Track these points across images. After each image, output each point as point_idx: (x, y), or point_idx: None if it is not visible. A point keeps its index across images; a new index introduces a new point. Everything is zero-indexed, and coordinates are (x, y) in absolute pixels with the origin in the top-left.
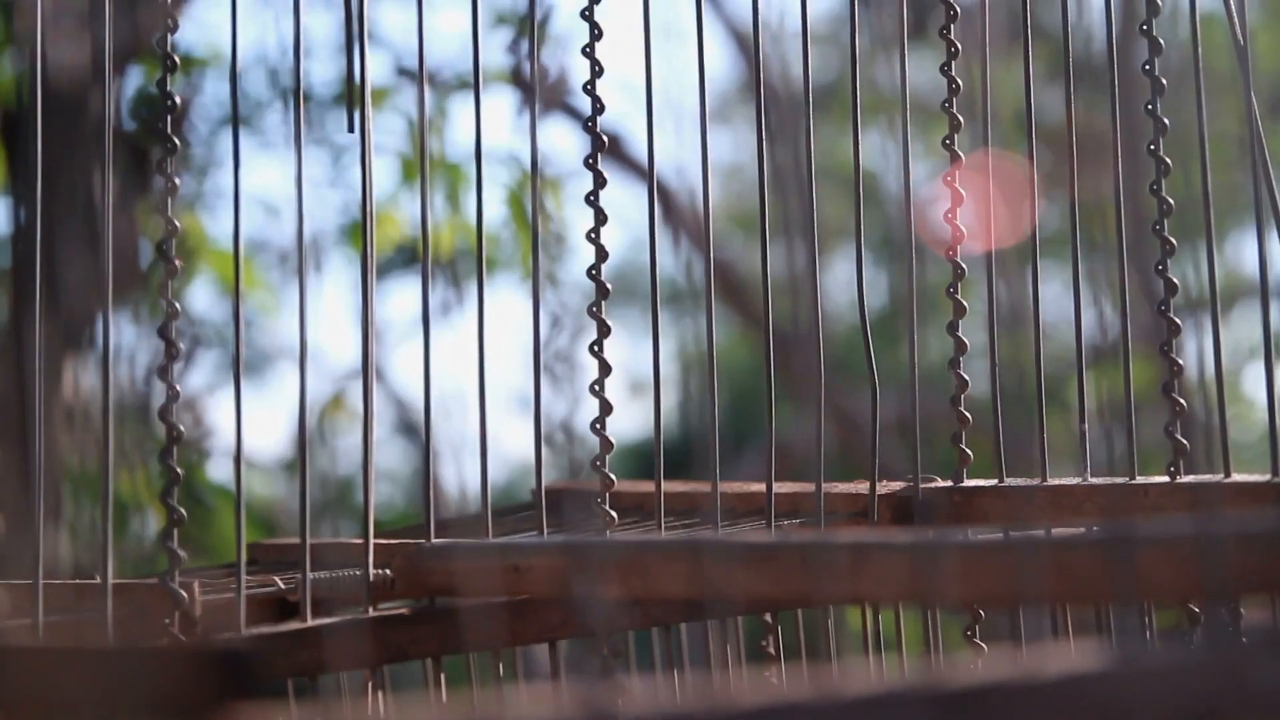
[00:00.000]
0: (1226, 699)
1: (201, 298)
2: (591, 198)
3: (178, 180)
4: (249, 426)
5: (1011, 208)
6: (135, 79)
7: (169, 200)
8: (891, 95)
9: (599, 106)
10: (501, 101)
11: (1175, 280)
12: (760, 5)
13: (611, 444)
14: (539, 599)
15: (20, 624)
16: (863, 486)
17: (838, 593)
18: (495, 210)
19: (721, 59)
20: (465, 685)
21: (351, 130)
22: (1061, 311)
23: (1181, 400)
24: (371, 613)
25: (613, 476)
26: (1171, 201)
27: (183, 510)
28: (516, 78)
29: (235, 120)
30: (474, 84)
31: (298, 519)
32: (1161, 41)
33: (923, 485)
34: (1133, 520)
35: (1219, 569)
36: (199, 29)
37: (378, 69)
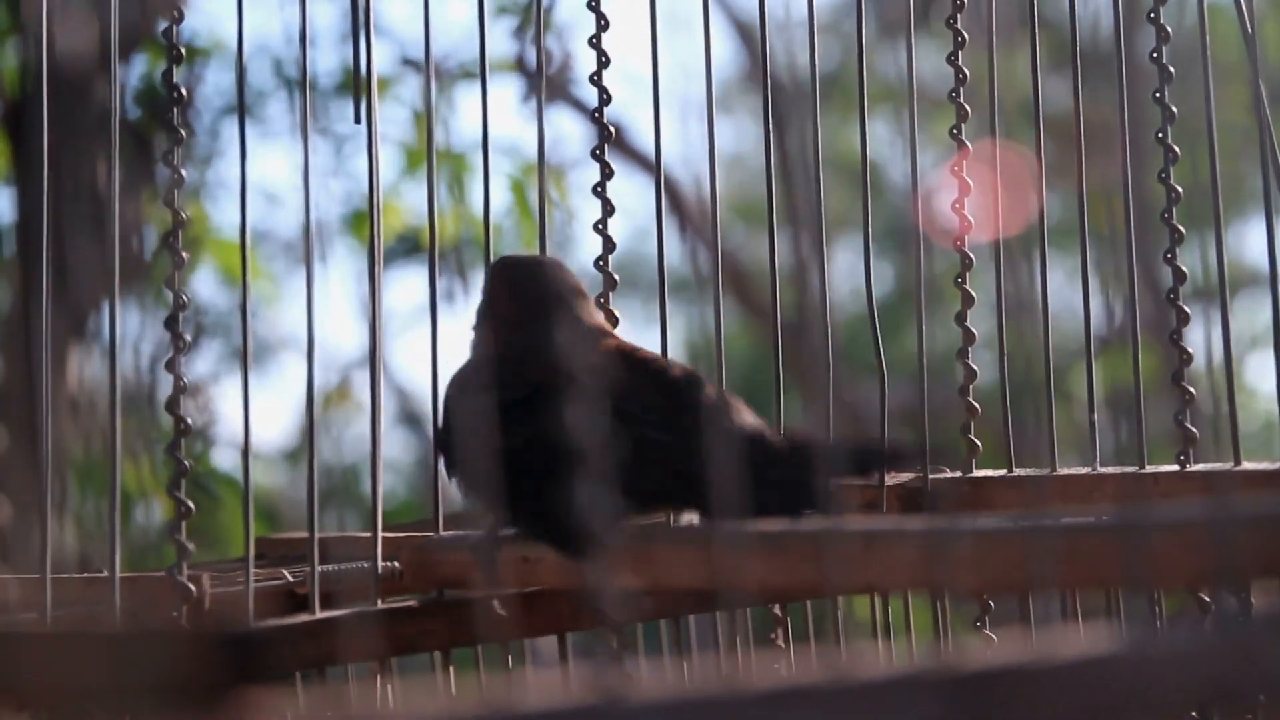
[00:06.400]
0: (1237, 682)
1: (204, 286)
2: (599, 189)
3: (184, 173)
4: (252, 417)
5: (1017, 197)
6: (140, 67)
7: (175, 193)
8: (896, 85)
9: (605, 98)
10: (505, 90)
11: (1183, 269)
12: None
13: None
14: (549, 590)
15: (29, 617)
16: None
17: (848, 581)
18: (499, 199)
19: (724, 49)
20: (474, 677)
21: (358, 121)
22: (1066, 301)
23: (1191, 389)
24: (380, 605)
25: None
26: (1180, 190)
27: (190, 503)
28: (520, 66)
29: (241, 112)
30: (480, 73)
31: (302, 509)
32: (1169, 30)
33: (932, 476)
34: (1146, 506)
35: (1230, 553)
36: (202, 17)
37: (380, 59)
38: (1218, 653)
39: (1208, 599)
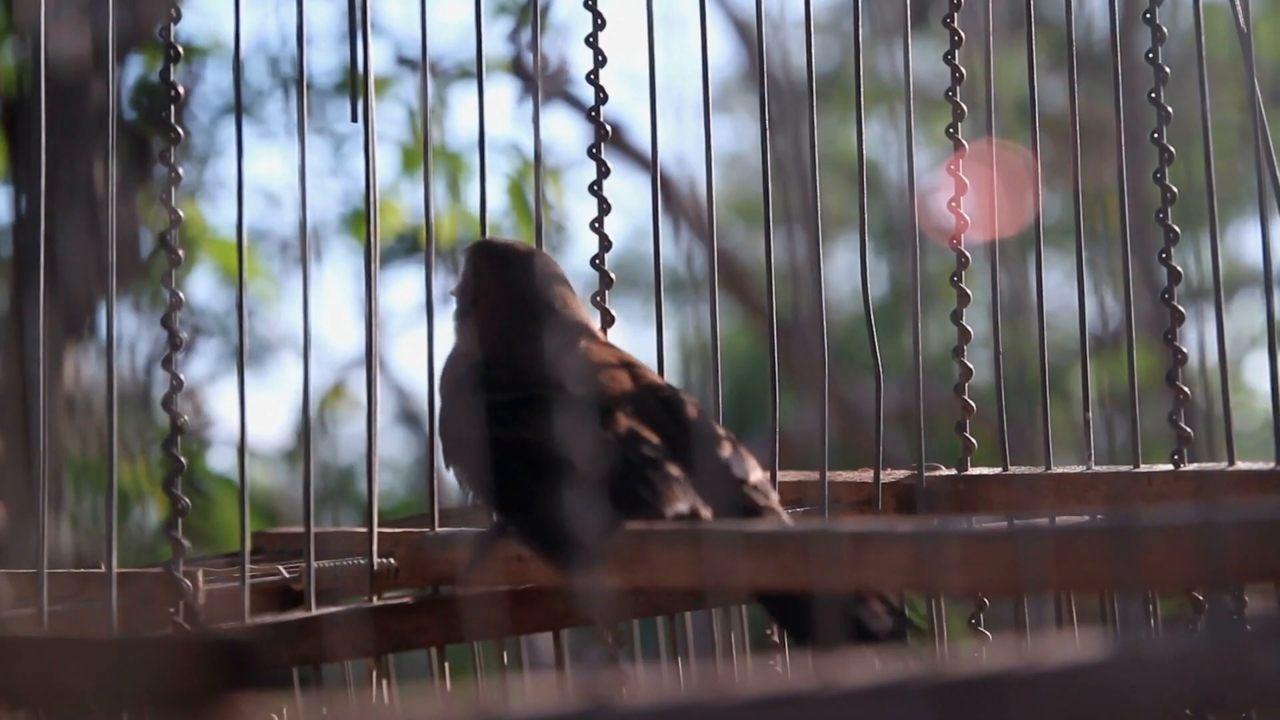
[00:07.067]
0: (1230, 686)
1: (202, 287)
2: (595, 187)
3: (181, 171)
4: (249, 416)
5: (1013, 197)
6: (136, 68)
7: (172, 190)
8: (893, 84)
9: (603, 96)
10: (502, 90)
11: (1179, 269)
12: None
13: None
14: (542, 588)
15: (24, 613)
16: (867, 475)
17: (841, 581)
18: (496, 199)
19: (721, 48)
20: (469, 674)
21: (355, 120)
22: (1062, 300)
23: (1185, 389)
24: (375, 602)
25: None
26: (1175, 190)
27: (187, 500)
28: (517, 67)
29: (239, 111)
30: (477, 73)
31: (299, 508)
32: (1165, 30)
33: (927, 474)
34: (1137, 508)
35: (1223, 557)
36: (199, 17)
37: (378, 58)
38: (1210, 656)
39: (1201, 602)
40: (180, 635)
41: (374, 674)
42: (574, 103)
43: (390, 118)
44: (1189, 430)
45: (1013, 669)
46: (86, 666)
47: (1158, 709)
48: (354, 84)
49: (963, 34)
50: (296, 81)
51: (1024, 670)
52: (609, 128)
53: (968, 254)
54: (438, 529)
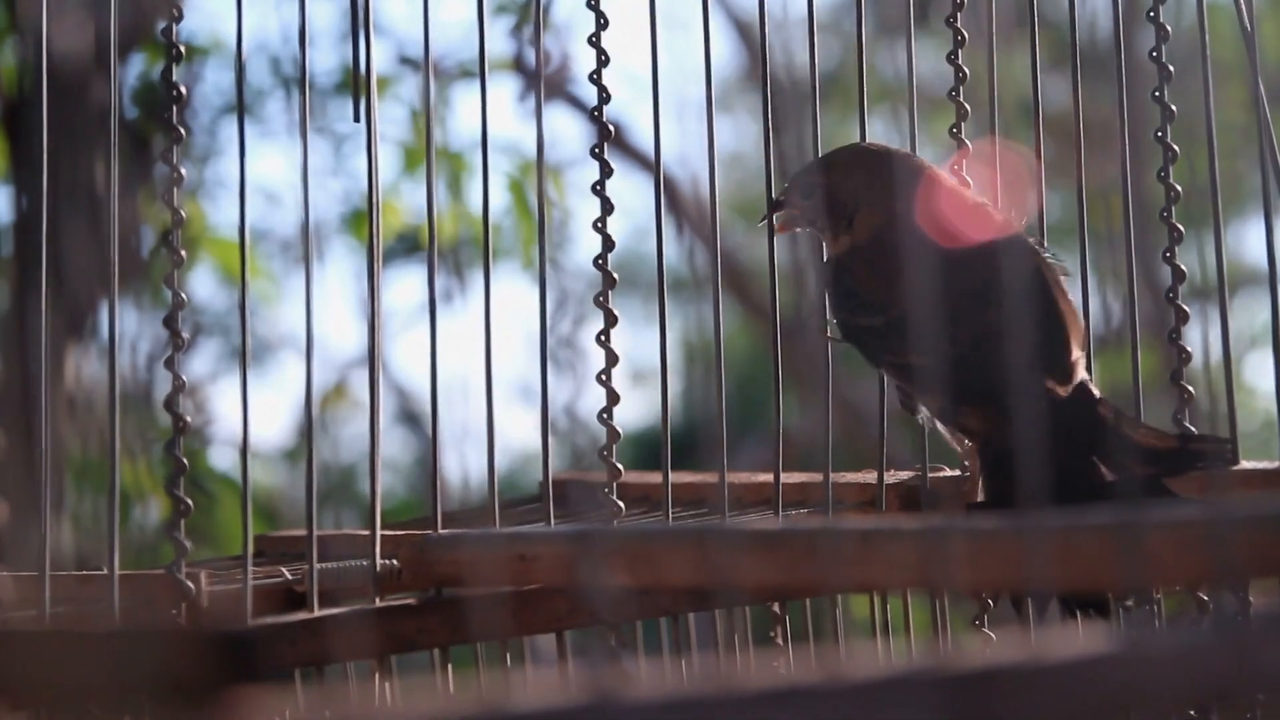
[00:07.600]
0: (1235, 682)
1: (203, 286)
2: (598, 188)
3: (183, 171)
4: (251, 416)
5: (1016, 196)
6: (137, 66)
7: (174, 190)
8: (895, 83)
9: (605, 96)
10: (503, 90)
11: (1183, 268)
12: None
13: (619, 434)
14: (546, 588)
15: (26, 615)
16: (870, 476)
17: (846, 579)
18: (498, 198)
19: (723, 48)
20: (472, 675)
21: (357, 120)
22: None
23: (1189, 388)
24: (378, 603)
25: (620, 466)
26: (1179, 189)
27: (189, 501)
28: (518, 65)
29: (240, 111)
30: (479, 72)
31: (301, 508)
32: (1168, 28)
33: (930, 475)
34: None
35: (1228, 553)
36: (200, 16)
37: (379, 58)
38: (1215, 652)
39: (1206, 599)
40: (184, 628)
41: (377, 675)
42: (575, 102)
43: (391, 117)
44: (1193, 429)
45: (1019, 663)
46: (89, 660)
47: (1165, 703)
48: (355, 84)
49: (965, 33)
50: (298, 81)
51: (1030, 664)
52: (611, 128)
53: None
54: (440, 531)
